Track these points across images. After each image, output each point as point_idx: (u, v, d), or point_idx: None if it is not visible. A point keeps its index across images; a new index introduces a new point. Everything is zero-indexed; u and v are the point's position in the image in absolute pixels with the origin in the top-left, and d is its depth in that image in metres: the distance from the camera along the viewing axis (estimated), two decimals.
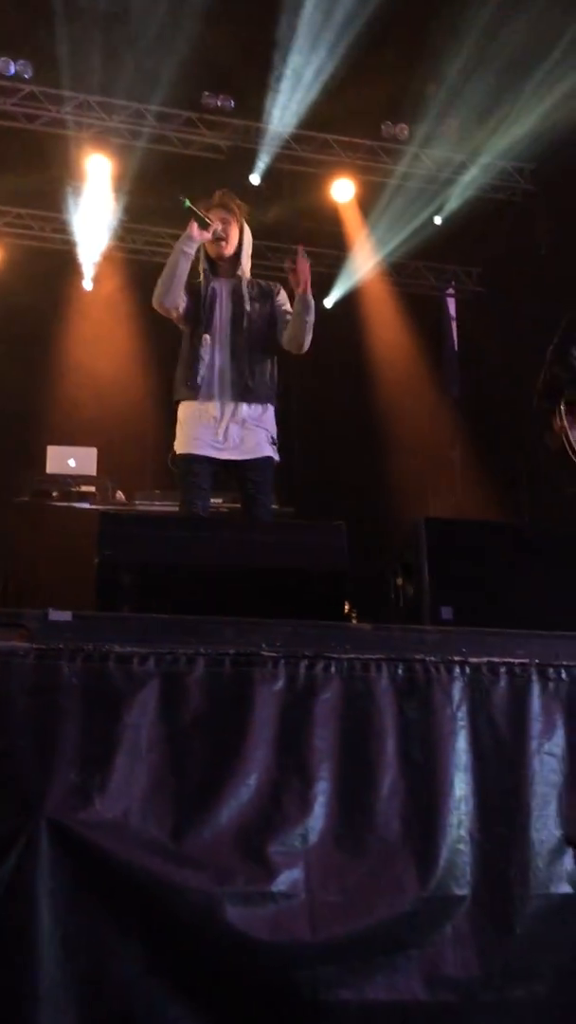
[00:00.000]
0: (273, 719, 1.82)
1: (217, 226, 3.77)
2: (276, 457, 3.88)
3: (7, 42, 6.60)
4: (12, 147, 7.09)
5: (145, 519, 3.74)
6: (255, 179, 7.59)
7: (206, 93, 7.07)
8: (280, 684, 1.84)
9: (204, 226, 3.72)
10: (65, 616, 1.84)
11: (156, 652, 1.79)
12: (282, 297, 3.92)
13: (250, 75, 6.81)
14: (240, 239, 3.87)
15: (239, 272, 3.88)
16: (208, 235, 3.75)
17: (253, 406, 3.81)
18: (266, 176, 7.61)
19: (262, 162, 7.51)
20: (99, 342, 8.03)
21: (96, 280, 8.17)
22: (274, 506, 6.67)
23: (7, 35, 6.52)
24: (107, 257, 8.12)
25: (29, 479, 6.45)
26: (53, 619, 1.82)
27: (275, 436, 3.87)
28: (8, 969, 1.52)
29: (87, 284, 8.20)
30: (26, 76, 6.73)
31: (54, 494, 6.31)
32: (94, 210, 7.68)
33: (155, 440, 7.11)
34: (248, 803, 1.75)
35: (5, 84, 6.79)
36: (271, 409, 3.87)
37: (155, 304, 3.82)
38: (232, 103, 7.14)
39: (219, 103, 7.12)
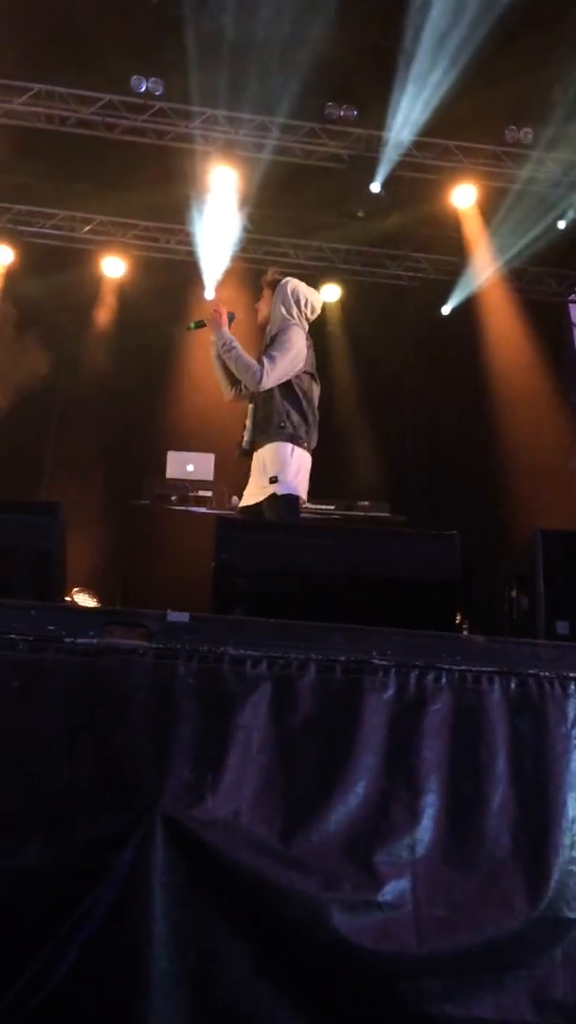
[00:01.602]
0: (382, 727, 1.82)
1: (216, 315, 4.21)
2: (279, 491, 3.96)
3: (139, 60, 6.84)
4: (142, 162, 7.33)
5: (260, 525, 3.79)
6: (375, 187, 7.59)
7: (329, 104, 7.12)
8: (390, 693, 1.84)
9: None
10: (183, 617, 1.89)
11: (269, 656, 1.82)
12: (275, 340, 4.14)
13: (373, 84, 6.82)
14: (271, 302, 4.22)
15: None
16: (223, 325, 4.18)
17: (256, 453, 4.07)
18: (387, 184, 7.60)
19: (383, 170, 7.51)
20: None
21: (217, 290, 8.35)
22: (386, 514, 6.70)
23: (139, 53, 6.75)
24: (229, 267, 8.29)
25: (150, 483, 6.65)
26: (171, 620, 1.88)
27: (276, 473, 3.97)
28: (122, 957, 1.57)
29: (208, 294, 8.39)
30: (156, 93, 6.96)
31: (173, 498, 6.48)
32: (218, 222, 7.85)
33: None
34: (356, 810, 1.76)
35: (136, 101, 7.03)
36: (273, 446, 4.01)
37: None
38: (355, 112, 7.17)
39: (342, 113, 7.16)
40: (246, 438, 4.14)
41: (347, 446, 8.44)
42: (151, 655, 1.78)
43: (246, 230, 8.07)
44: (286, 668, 1.82)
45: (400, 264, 8.69)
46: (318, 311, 4.30)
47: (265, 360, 4.02)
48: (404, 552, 2.68)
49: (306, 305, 4.21)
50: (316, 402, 4.17)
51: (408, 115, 6.92)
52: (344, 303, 8.81)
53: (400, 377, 8.28)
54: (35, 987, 1.55)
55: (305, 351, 4.14)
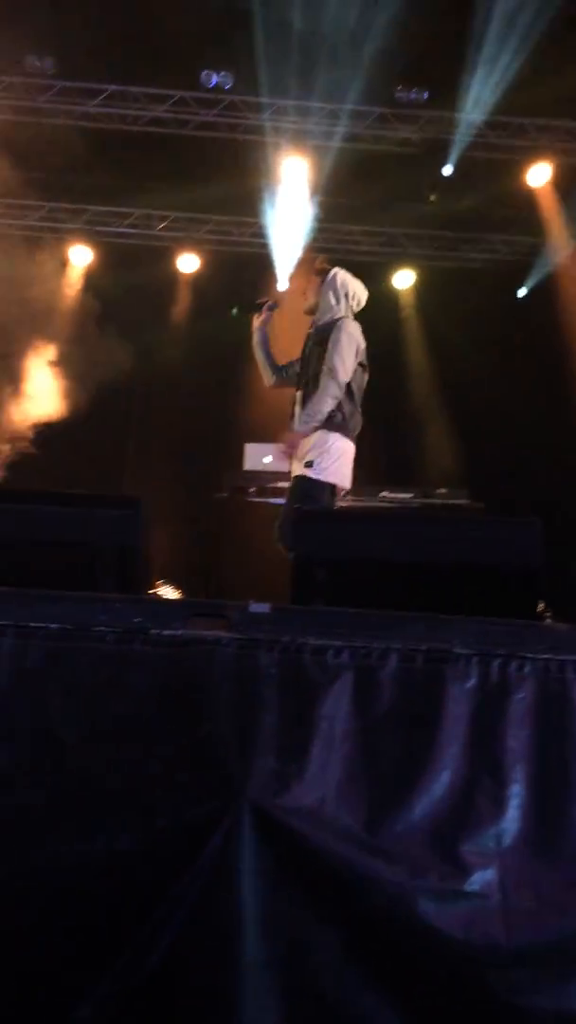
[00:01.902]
0: (465, 717, 1.81)
1: (265, 300, 4.50)
2: (311, 475, 4.10)
3: (208, 55, 6.88)
4: (213, 157, 7.39)
5: (338, 515, 3.80)
6: (448, 170, 7.48)
7: (399, 88, 7.04)
8: (472, 682, 1.83)
9: (258, 310, 4.46)
10: (264, 608, 1.91)
11: (350, 646, 1.83)
12: (332, 339, 4.17)
13: (443, 66, 6.71)
14: (319, 290, 4.33)
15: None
16: (266, 312, 4.46)
17: (302, 440, 4.17)
18: (459, 166, 7.48)
19: (455, 152, 7.39)
20: (293, 341, 8.21)
21: (290, 280, 8.36)
22: (464, 501, 6.63)
23: (208, 48, 6.80)
24: (301, 257, 8.29)
25: (229, 476, 6.73)
26: (253, 611, 1.90)
27: (314, 458, 4.10)
28: (214, 942, 1.61)
29: (282, 285, 8.40)
30: (226, 87, 7.00)
31: (251, 490, 6.54)
32: (289, 213, 7.86)
33: None
34: (440, 800, 1.75)
35: (207, 96, 7.09)
36: (320, 433, 4.12)
37: None
38: (426, 95, 7.07)
39: (412, 96, 7.07)
40: (295, 425, 4.24)
41: (423, 433, 8.36)
42: (234, 646, 1.81)
43: (317, 219, 8.06)
44: (367, 658, 1.83)
45: (474, 247, 8.56)
46: (363, 304, 4.40)
47: (336, 367, 4.10)
48: (485, 539, 2.65)
49: (353, 297, 4.32)
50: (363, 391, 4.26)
51: (480, 95, 6.80)
52: (417, 288, 8.72)
53: (476, 362, 8.15)
54: (129, 971, 1.59)
55: (363, 342, 4.22)
